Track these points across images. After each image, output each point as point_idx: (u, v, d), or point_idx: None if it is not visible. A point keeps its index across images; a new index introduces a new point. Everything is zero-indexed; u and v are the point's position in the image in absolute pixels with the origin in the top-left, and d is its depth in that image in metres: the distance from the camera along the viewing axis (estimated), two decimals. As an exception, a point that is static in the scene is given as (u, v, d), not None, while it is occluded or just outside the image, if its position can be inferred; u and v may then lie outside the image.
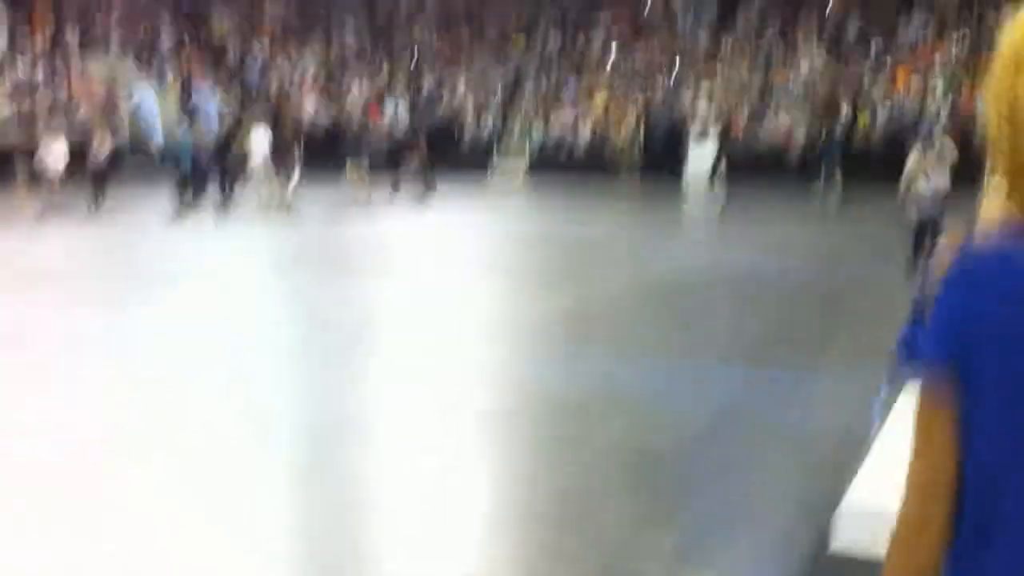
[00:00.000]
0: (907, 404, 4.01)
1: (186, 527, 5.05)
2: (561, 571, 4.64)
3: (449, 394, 7.37)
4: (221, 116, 27.73)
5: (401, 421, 6.76)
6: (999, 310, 1.43)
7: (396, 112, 29.73)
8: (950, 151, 11.66)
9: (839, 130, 26.33)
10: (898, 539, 1.51)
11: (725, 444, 6.21)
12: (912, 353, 1.58)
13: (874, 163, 22.70)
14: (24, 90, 27.59)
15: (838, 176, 24.20)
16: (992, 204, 3.87)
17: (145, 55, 32.41)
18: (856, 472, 3.81)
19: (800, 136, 27.20)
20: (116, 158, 20.73)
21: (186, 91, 30.61)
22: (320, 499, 5.52)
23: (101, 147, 19.70)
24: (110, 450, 6.16)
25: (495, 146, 31.16)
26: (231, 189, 20.49)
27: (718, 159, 24.50)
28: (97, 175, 19.30)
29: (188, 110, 28.40)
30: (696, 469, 5.89)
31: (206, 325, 9.62)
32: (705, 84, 30.95)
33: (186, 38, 34.50)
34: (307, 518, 5.31)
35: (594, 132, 29.62)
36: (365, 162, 21.55)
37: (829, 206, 21.61)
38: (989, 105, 1.47)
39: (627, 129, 29.32)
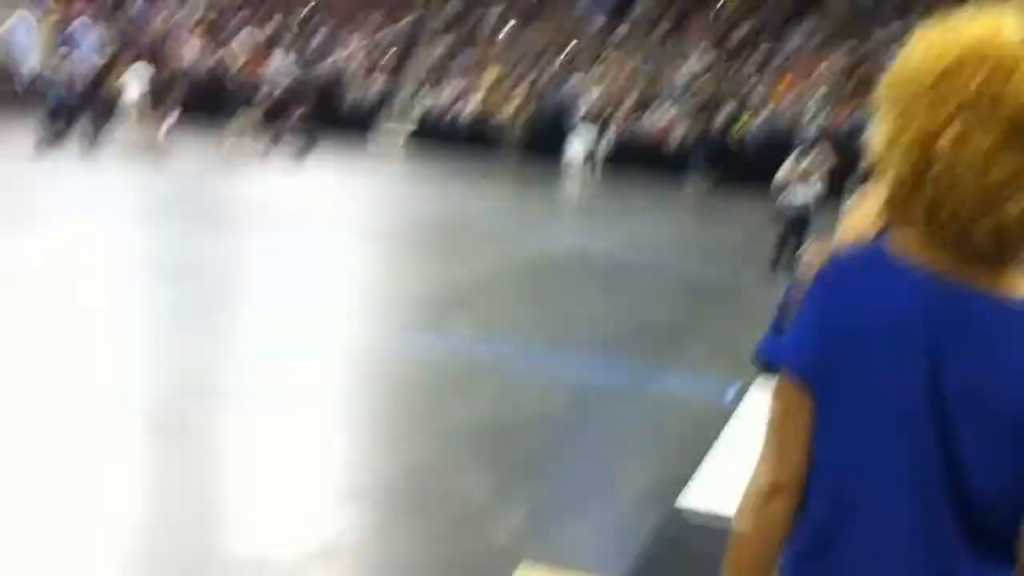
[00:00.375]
0: (760, 396, 4.15)
1: (19, 483, 4.86)
2: (412, 543, 4.64)
3: (304, 363, 7.26)
4: (99, 50, 26.70)
5: (253, 389, 6.63)
6: (854, 320, 1.49)
7: (283, 65, 29.10)
8: (827, 159, 12.05)
9: (714, 129, 26.91)
10: (748, 504, 1.59)
11: (580, 426, 6.30)
12: (771, 353, 1.66)
13: (750, 165, 23.25)
14: None
15: (708, 174, 24.77)
16: (858, 214, 4.00)
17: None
18: (709, 452, 3.93)
19: (680, 131, 27.68)
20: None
21: (65, 22, 29.36)
22: (167, 464, 5.38)
23: None
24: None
25: (380, 110, 30.80)
26: (101, 127, 19.60)
27: (597, 146, 24.79)
28: None
29: (64, 41, 27.25)
30: (550, 447, 5.97)
31: (50, 267, 9.26)
32: (596, 70, 31.22)
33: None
34: (155, 483, 5.17)
35: (482, 106, 29.56)
36: (254, 116, 20.98)
37: (699, 201, 22.14)
38: (886, 122, 1.50)
39: (514, 107, 29.36)
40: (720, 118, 27.75)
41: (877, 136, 1.51)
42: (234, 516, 4.90)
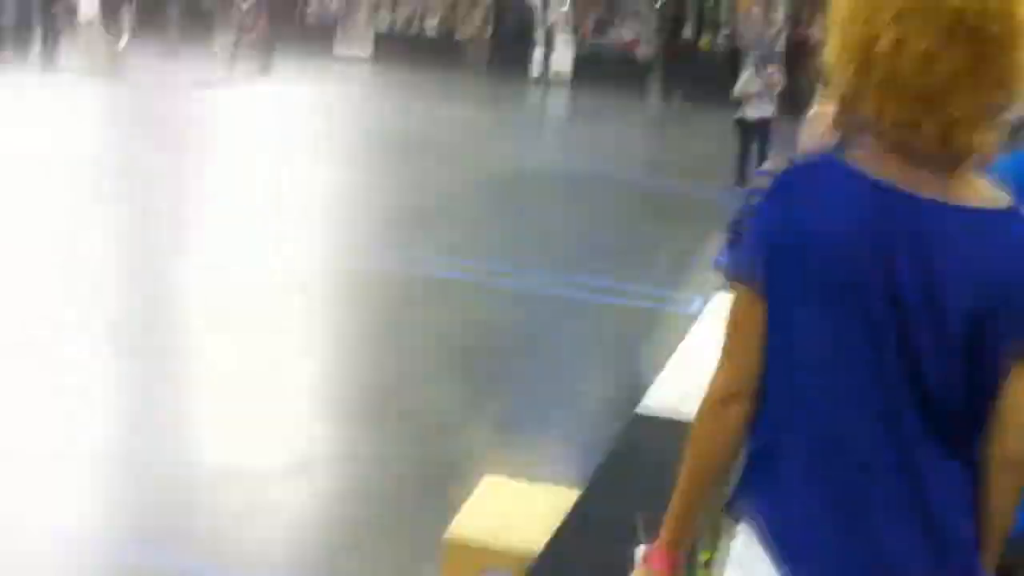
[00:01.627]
0: (719, 302, 4.24)
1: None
2: (381, 456, 4.74)
3: (269, 281, 7.28)
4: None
5: (219, 308, 6.64)
6: (807, 227, 1.53)
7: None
8: (781, 72, 12.07)
9: (679, 42, 26.81)
10: (705, 409, 1.64)
11: (544, 339, 6.39)
12: (726, 262, 1.69)
13: (716, 79, 23.14)
14: None
15: (674, 87, 24.73)
16: (816, 125, 4.05)
17: None
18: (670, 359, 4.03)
19: (645, 45, 27.51)
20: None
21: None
22: (137, 383, 5.42)
23: None
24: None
25: (338, 29, 30.28)
26: (55, 43, 19.15)
27: (561, 60, 24.60)
28: None
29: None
30: (515, 360, 6.07)
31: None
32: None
33: None
34: (126, 402, 5.21)
35: (442, 22, 29.13)
36: (236, 37, 20.45)
37: (666, 115, 22.13)
38: (834, 34, 1.54)
39: (475, 21, 28.99)
40: (685, 31, 27.60)
41: (829, 43, 1.55)
42: (207, 433, 4.97)
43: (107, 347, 5.82)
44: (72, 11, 19.43)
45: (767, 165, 1.63)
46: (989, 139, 1.51)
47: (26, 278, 6.75)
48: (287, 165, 12.01)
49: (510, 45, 27.81)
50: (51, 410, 4.84)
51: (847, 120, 1.56)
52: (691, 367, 3.66)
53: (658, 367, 4.30)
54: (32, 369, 5.30)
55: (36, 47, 18.71)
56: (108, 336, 5.95)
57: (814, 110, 3.98)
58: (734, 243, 1.72)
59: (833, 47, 1.54)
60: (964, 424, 1.53)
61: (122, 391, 5.30)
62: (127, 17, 19.69)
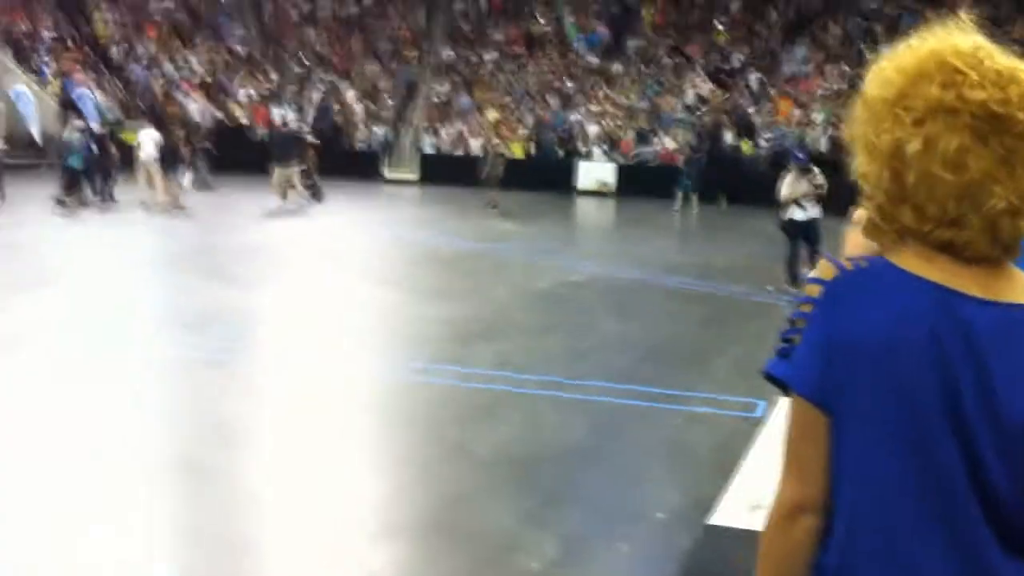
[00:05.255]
0: (782, 407, 4.22)
1: (48, 527, 4.97)
2: (452, 570, 4.70)
3: (330, 402, 7.35)
4: (101, 114, 27.11)
5: (282, 430, 6.70)
6: (861, 335, 1.49)
7: (285, 118, 29.40)
8: (823, 177, 12.14)
9: (721, 150, 27.21)
10: (772, 524, 1.61)
11: (607, 450, 6.34)
12: (780, 372, 1.64)
13: (760, 183, 23.38)
14: None
15: (719, 194, 24.95)
16: (858, 230, 4.08)
17: (24, 51, 31.39)
18: (738, 468, 3.97)
19: (687, 154, 27.88)
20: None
21: (66, 88, 29.75)
22: (197, 507, 5.43)
23: None
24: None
25: (384, 156, 31.11)
26: (112, 187, 20.26)
27: (603, 173, 24.94)
28: None
29: (67, 106, 27.64)
30: (579, 473, 5.99)
31: (72, 323, 9.41)
32: (594, 107, 31.50)
33: (68, 34, 33.52)
34: (186, 526, 5.23)
35: (484, 147, 29.79)
36: (294, 167, 21.05)
37: (711, 221, 22.23)
38: (860, 147, 1.56)
39: (517, 145, 29.68)
40: (725, 140, 27.99)
41: (858, 155, 1.57)
42: (269, 559, 4.93)
43: (169, 465, 5.88)
44: (127, 156, 20.42)
45: (816, 270, 1.62)
46: None
47: (85, 408, 6.85)
48: (344, 286, 12.24)
49: (554, 159, 28.32)
50: (106, 540, 4.85)
51: (887, 223, 1.54)
52: (760, 476, 3.62)
53: (726, 475, 4.26)
54: (90, 496, 5.33)
55: (97, 190, 19.71)
56: (170, 455, 6.01)
57: (859, 213, 4.03)
58: (786, 351, 1.68)
59: (862, 159, 1.56)
60: None
61: (179, 518, 5.31)
62: (185, 155, 20.60)
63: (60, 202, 18.48)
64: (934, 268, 1.50)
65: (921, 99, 1.48)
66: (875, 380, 1.48)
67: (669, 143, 28.25)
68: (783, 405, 4.50)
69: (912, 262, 1.51)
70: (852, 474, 1.52)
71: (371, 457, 6.41)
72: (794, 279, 11.88)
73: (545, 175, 27.33)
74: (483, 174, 23.55)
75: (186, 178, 20.11)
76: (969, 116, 1.45)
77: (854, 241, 4.34)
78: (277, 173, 20.37)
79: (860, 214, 3.93)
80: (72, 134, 19.79)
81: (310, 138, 22.89)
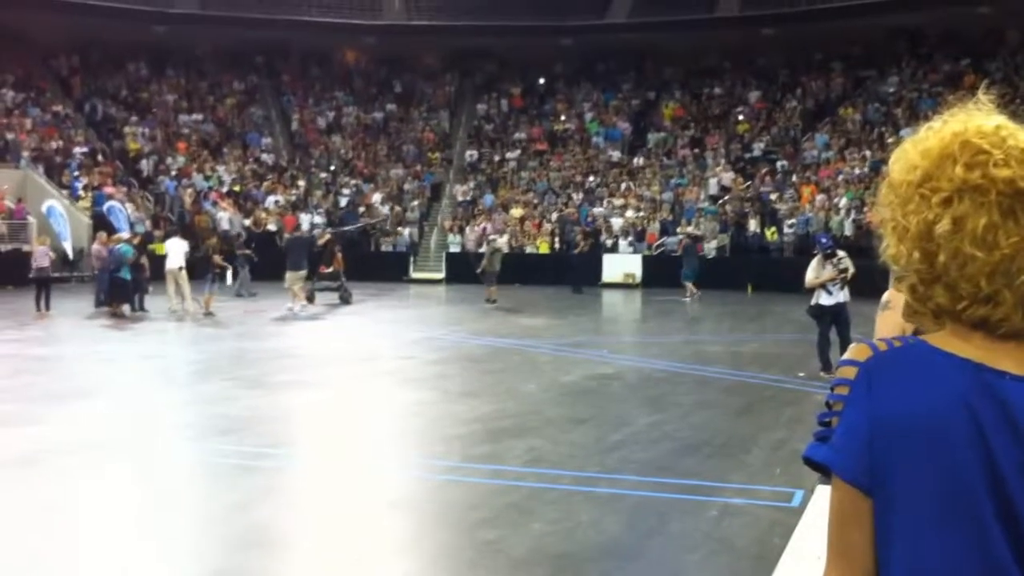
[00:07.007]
0: (821, 496, 4.14)
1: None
2: None
3: (363, 505, 7.30)
4: (132, 226, 27.64)
5: (316, 535, 6.64)
6: (898, 417, 1.48)
7: (312, 224, 29.87)
8: (848, 263, 12.14)
9: (747, 238, 27.37)
10: None
11: (644, 546, 6.24)
12: (820, 457, 1.62)
13: (786, 270, 23.46)
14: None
15: (747, 281, 25.04)
16: (890, 312, 4.06)
17: (56, 167, 32.15)
18: (779, 560, 3.89)
19: (713, 243, 28.04)
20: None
21: (97, 201, 30.39)
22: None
23: (44, 255, 20.25)
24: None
25: (412, 258, 31.47)
26: (142, 298, 20.84)
27: (628, 265, 25.13)
28: (41, 282, 19.86)
29: (99, 221, 28.22)
30: (616, 571, 5.90)
31: (108, 432, 9.42)
32: (617, 200, 31.86)
33: (99, 149, 34.32)
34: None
35: (511, 244, 30.11)
36: (304, 271, 21.43)
37: (740, 307, 22.18)
38: (888, 229, 1.56)
39: (544, 236, 29.96)
40: (751, 227, 28.14)
41: (887, 238, 1.57)
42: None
43: (205, 571, 5.83)
44: (158, 266, 20.99)
45: (850, 352, 1.60)
46: None
47: (122, 519, 6.83)
48: (374, 387, 12.23)
49: (579, 254, 28.52)
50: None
51: (920, 304, 1.54)
52: (802, 568, 3.56)
53: (767, 569, 4.19)
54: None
55: (131, 300, 20.25)
56: (207, 561, 5.96)
57: (888, 294, 4.01)
58: (825, 435, 1.66)
59: (891, 241, 1.56)
60: None
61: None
62: (212, 264, 21.43)
63: (113, 312, 19.43)
64: (970, 346, 1.49)
65: (947, 180, 1.49)
66: (917, 461, 1.46)
67: (693, 232, 28.44)
68: (820, 494, 4.45)
69: (947, 341, 1.51)
70: (901, 557, 1.49)
71: (405, 560, 6.31)
72: (826, 365, 11.81)
73: (572, 268, 27.49)
74: (479, 268, 23.69)
75: (229, 284, 20.60)
76: (996, 194, 1.46)
77: (886, 323, 4.33)
78: (288, 277, 20.92)
79: (890, 296, 3.93)
80: (124, 247, 20.21)
81: (320, 241, 23.24)
